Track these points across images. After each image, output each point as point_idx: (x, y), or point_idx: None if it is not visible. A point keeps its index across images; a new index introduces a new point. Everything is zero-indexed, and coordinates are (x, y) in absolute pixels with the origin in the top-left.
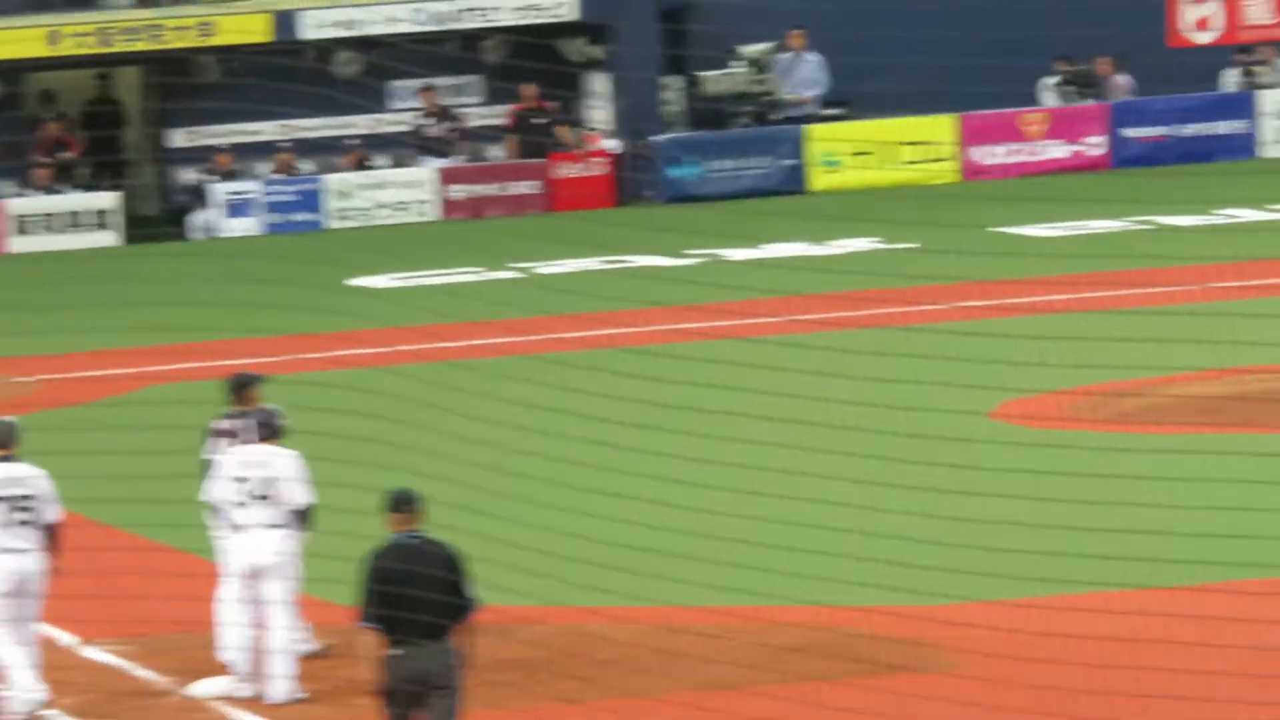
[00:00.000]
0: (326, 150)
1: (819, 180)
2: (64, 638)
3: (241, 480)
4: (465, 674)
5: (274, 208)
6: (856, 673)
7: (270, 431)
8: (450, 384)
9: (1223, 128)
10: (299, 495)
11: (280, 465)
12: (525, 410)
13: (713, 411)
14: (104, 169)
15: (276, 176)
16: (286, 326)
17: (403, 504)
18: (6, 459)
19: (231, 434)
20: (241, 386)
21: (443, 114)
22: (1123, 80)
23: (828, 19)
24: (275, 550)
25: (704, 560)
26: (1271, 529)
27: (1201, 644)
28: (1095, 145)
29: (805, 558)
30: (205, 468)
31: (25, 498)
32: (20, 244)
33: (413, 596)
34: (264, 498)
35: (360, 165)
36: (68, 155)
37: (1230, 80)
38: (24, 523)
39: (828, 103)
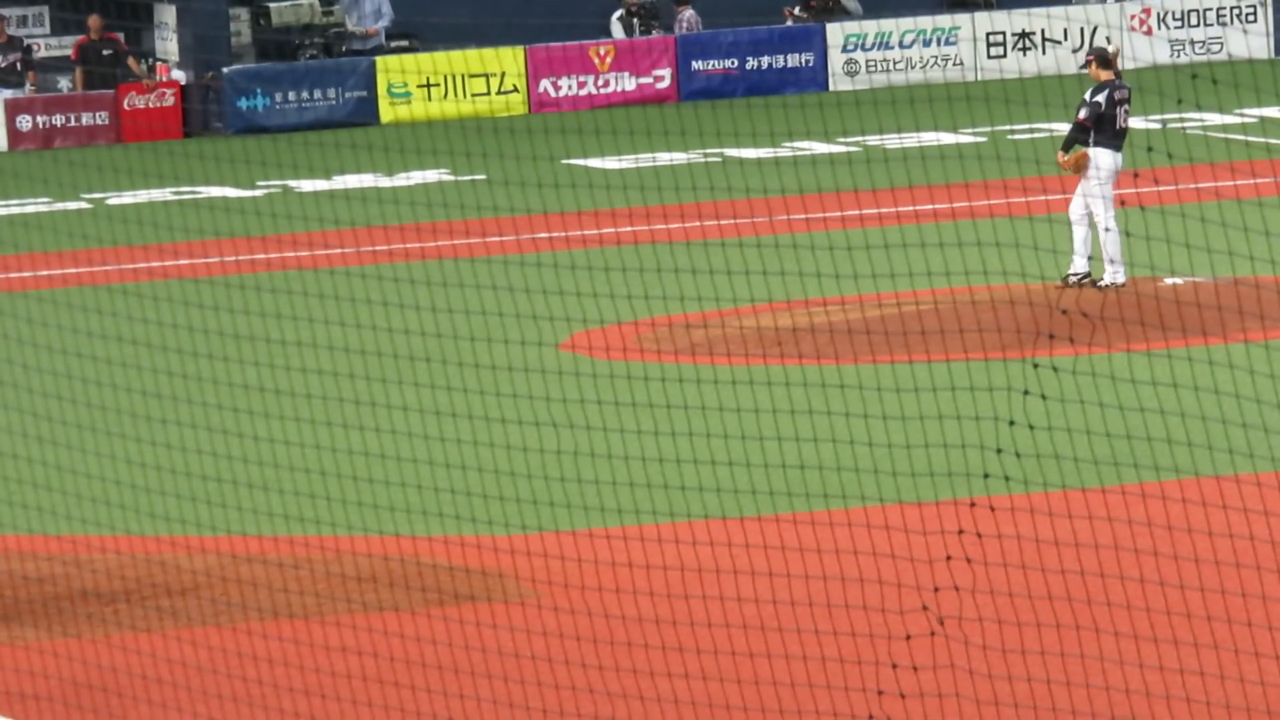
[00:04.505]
0: None
1: (388, 112)
2: None
3: None
4: None
5: None
6: (426, 602)
7: None
8: (20, 314)
9: (791, 60)
10: None
11: None
12: (98, 341)
13: (283, 341)
14: None
15: None
16: None
17: None
18: None
19: None
20: None
21: (10, 44)
22: (689, 14)
23: None
24: None
25: (273, 490)
26: (838, 460)
27: (772, 574)
28: (662, 78)
29: (373, 487)
30: None
31: None
32: None
33: None
34: None
35: None
36: None
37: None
38: None
39: (396, 34)
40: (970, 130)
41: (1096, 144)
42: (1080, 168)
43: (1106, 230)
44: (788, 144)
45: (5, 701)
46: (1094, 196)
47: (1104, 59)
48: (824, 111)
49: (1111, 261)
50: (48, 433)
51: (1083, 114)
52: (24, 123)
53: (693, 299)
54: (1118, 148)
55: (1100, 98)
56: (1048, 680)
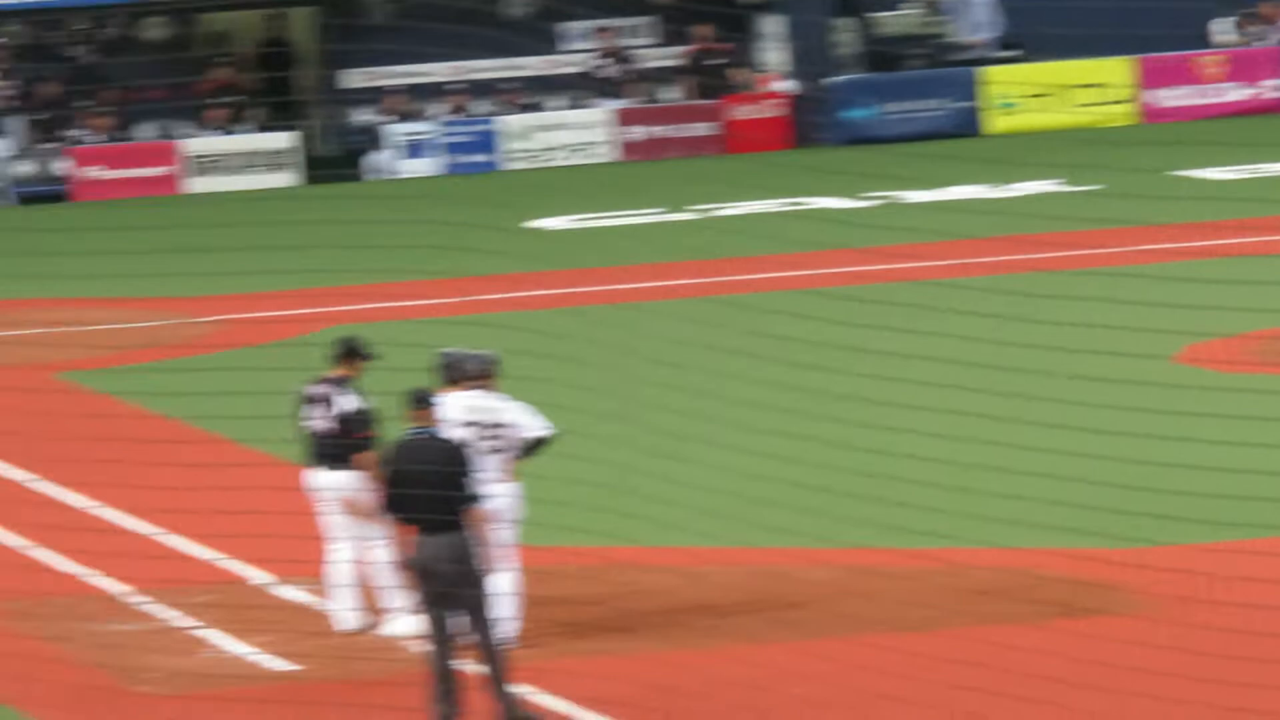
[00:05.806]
0: (498, 92)
1: (995, 122)
2: (257, 576)
3: (471, 425)
4: (482, 566)
5: (451, 149)
6: (1043, 615)
7: (486, 374)
8: (628, 326)
9: None
10: (534, 429)
11: (503, 407)
12: (704, 352)
13: (892, 354)
14: (279, 109)
15: (454, 118)
16: (465, 268)
17: (421, 401)
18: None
19: (325, 399)
20: (350, 353)
21: (617, 55)
22: None
23: None
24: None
25: (887, 503)
26: None
27: None
28: (1273, 88)
29: (988, 500)
30: (300, 433)
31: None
32: (199, 184)
33: (415, 487)
34: (493, 439)
35: (522, 107)
36: (240, 97)
37: None
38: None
39: (1002, 44)
40: None
41: None
42: None
43: None
44: None
45: (629, 713)
46: None
47: None
48: None
49: None
50: (657, 444)
51: None
52: (633, 133)
53: None
54: None
55: None
56: None
